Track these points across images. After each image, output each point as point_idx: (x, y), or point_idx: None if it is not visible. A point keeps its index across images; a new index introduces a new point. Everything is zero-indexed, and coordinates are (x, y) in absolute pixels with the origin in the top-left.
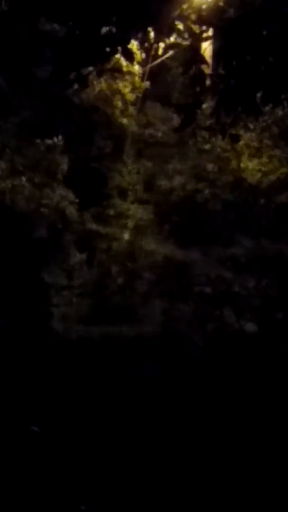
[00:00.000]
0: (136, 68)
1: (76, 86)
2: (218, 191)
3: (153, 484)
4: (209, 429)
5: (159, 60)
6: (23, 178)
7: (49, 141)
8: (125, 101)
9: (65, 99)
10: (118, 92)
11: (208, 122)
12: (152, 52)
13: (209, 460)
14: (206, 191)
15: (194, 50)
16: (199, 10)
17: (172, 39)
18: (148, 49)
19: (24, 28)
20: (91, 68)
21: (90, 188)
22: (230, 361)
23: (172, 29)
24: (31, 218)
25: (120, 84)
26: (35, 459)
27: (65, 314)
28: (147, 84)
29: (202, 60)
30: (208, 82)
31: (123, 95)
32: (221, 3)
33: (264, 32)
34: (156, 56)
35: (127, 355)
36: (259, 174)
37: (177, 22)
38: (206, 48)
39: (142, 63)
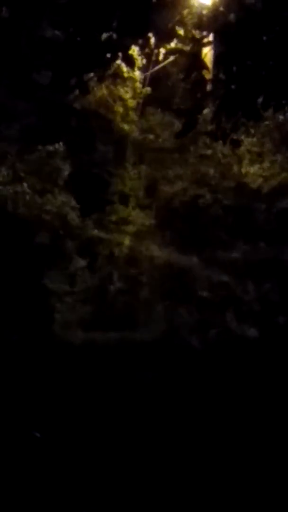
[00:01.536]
0: (137, 73)
1: (77, 92)
2: (219, 196)
3: (154, 488)
4: (210, 434)
5: (160, 66)
6: (25, 185)
7: (50, 147)
8: (126, 107)
9: (66, 105)
10: (119, 98)
11: (209, 127)
12: (153, 58)
13: (211, 465)
14: (208, 196)
15: (195, 56)
16: (199, 16)
17: (172, 44)
18: (148, 54)
19: (25, 35)
20: (92, 74)
21: (92, 194)
22: (232, 366)
23: (172, 35)
24: (33, 224)
25: (121, 90)
26: (37, 464)
27: (67, 320)
28: (148, 89)
29: (203, 65)
30: (209, 87)
31: (124, 101)
32: (221, 9)
33: (264, 37)
34: (156, 62)
35: (129, 361)
36: (261, 179)
37: (177, 28)
38: (207, 53)
39: (143, 69)
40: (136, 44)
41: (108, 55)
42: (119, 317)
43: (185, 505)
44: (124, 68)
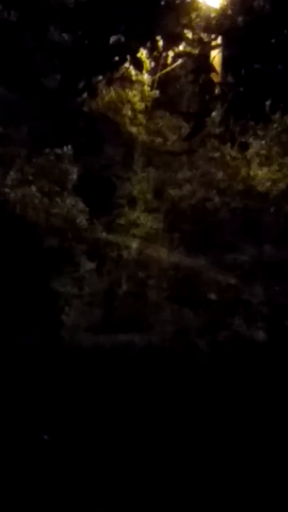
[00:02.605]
0: (145, 77)
1: (85, 95)
2: (228, 199)
3: (163, 491)
4: (219, 437)
5: (168, 69)
6: (33, 188)
7: (58, 150)
8: (134, 110)
9: (74, 108)
10: (128, 101)
11: (217, 130)
12: (161, 61)
13: (220, 468)
14: (216, 199)
15: (203, 59)
16: (207, 19)
17: (181, 47)
18: (157, 57)
19: (33, 38)
20: (100, 77)
21: (100, 197)
22: (240, 369)
23: (181, 38)
24: (41, 227)
25: (129, 93)
26: (44, 466)
27: (75, 323)
28: (156, 92)
29: (211, 68)
30: (217, 90)
31: (132, 104)
32: (229, 11)
33: (273, 40)
34: (165, 65)
35: (137, 364)
36: (269, 182)
37: (185, 31)
38: (215, 56)
39: (151, 72)
40: (144, 47)
41: (117, 58)
42: (127, 320)
43: (189, 506)
44: (133, 71)
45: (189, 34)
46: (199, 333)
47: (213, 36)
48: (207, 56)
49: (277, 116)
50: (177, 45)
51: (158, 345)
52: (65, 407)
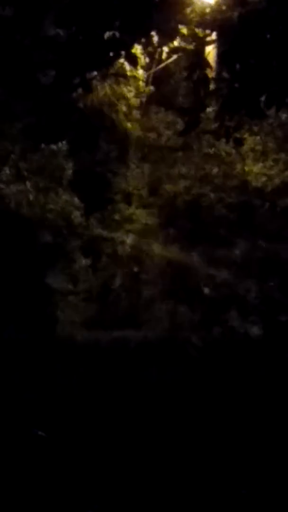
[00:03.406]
0: (140, 72)
1: (80, 90)
2: (223, 194)
3: (157, 488)
4: (214, 433)
5: (163, 65)
6: (28, 184)
7: (53, 146)
8: (129, 106)
9: (69, 104)
10: (122, 96)
11: (212, 126)
12: (156, 57)
13: (215, 465)
14: (211, 195)
15: (198, 54)
16: (202, 14)
17: (175, 43)
18: (152, 53)
19: (27, 34)
20: (95, 73)
21: (95, 192)
22: (234, 364)
23: (175, 33)
24: (36, 223)
25: (124, 89)
26: (40, 462)
27: (70, 319)
28: (151, 88)
29: (206, 64)
30: (212, 86)
31: (127, 100)
32: (224, 7)
33: (268, 36)
34: (160, 61)
35: (132, 360)
36: (264, 178)
37: (180, 26)
38: (210, 51)
39: (146, 68)
40: (139, 42)
41: (111, 54)
42: (122, 316)
43: (186, 504)
44: (127, 66)
45: (184, 30)
46: (194, 329)
47: (208, 31)
48: (202, 52)
49: (272, 111)
50: (172, 40)
51: (153, 341)
52: (59, 403)
